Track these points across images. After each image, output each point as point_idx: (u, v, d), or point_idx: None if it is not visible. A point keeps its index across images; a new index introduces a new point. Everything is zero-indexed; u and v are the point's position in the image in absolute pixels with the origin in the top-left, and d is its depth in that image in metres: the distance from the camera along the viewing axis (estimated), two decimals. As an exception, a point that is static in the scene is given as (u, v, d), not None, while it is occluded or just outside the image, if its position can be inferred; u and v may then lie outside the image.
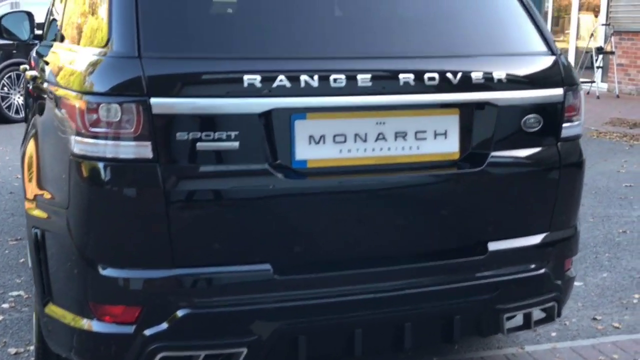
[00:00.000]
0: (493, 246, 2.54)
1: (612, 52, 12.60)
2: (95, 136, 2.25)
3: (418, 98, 2.41)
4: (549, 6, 14.92)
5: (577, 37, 14.24)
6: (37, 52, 3.82)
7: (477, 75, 2.46)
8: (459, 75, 2.44)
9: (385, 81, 2.40)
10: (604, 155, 7.98)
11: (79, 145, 2.28)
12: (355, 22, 2.59)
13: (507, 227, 2.62)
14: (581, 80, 5.97)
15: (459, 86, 2.44)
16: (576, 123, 2.69)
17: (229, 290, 2.36)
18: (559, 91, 2.61)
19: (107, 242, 2.33)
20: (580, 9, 14.22)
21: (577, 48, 14.17)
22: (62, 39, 3.26)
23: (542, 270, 2.66)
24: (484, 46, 2.62)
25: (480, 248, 2.54)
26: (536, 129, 2.56)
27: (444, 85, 2.43)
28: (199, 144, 2.25)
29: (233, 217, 2.35)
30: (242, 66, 2.32)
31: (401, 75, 2.37)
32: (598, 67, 12.69)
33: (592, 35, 13.25)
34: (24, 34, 4.15)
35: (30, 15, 4.22)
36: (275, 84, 2.29)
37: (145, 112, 2.22)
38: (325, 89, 2.32)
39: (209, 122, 2.27)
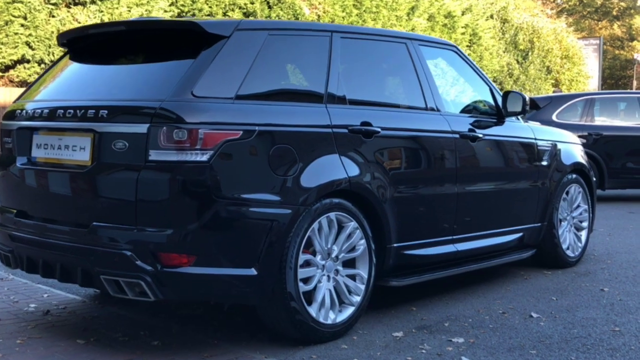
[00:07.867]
0: (94, 225, 3.67)
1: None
2: None
3: (70, 125, 3.88)
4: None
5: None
6: None
7: (95, 113, 3.73)
8: (90, 112, 3.76)
9: (64, 115, 3.88)
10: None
11: None
12: (83, 82, 4.25)
13: (105, 215, 3.69)
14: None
15: (90, 119, 3.76)
16: (176, 152, 3.52)
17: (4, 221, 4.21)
18: (142, 127, 3.58)
19: None
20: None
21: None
22: None
23: (126, 252, 3.56)
24: (124, 94, 3.88)
25: (86, 224, 3.71)
26: (124, 150, 3.62)
27: (84, 118, 3.79)
28: (4, 142, 4.30)
29: (10, 182, 4.24)
30: (20, 106, 4.26)
31: (67, 111, 3.86)
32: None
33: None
34: None
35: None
36: (22, 114, 4.17)
37: None
38: (48, 118, 3.98)
39: (7, 133, 4.28)
